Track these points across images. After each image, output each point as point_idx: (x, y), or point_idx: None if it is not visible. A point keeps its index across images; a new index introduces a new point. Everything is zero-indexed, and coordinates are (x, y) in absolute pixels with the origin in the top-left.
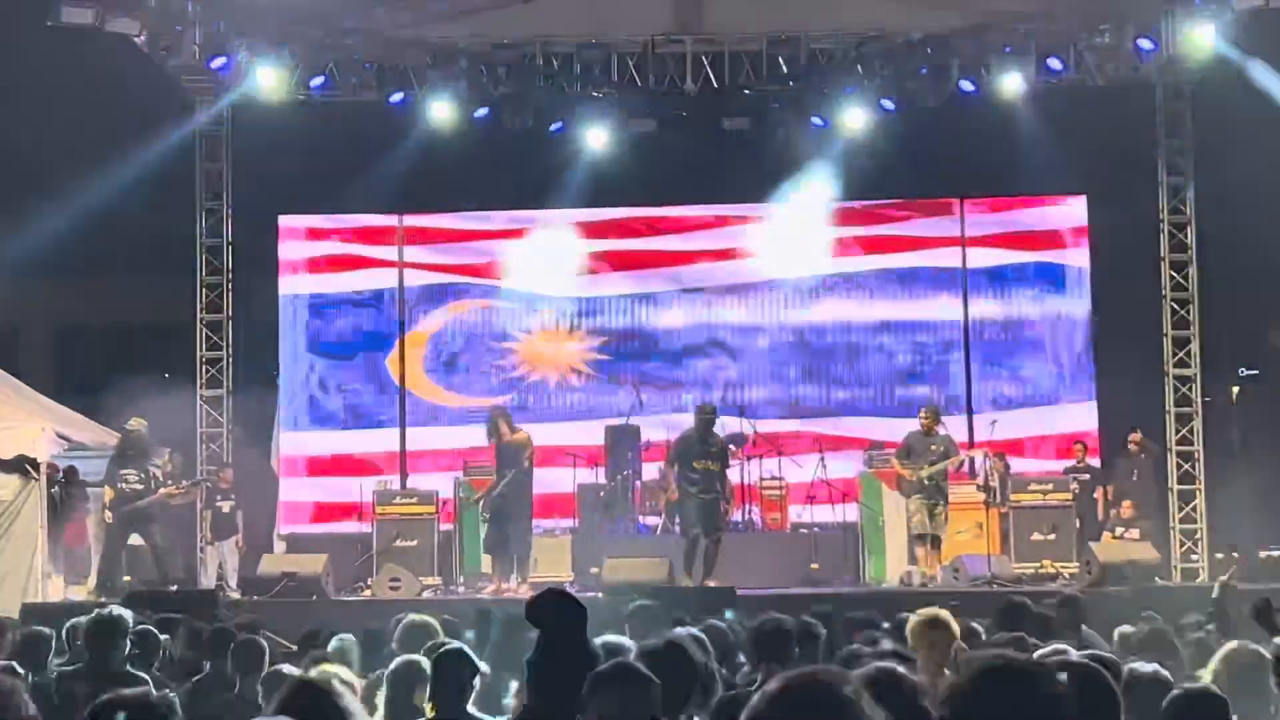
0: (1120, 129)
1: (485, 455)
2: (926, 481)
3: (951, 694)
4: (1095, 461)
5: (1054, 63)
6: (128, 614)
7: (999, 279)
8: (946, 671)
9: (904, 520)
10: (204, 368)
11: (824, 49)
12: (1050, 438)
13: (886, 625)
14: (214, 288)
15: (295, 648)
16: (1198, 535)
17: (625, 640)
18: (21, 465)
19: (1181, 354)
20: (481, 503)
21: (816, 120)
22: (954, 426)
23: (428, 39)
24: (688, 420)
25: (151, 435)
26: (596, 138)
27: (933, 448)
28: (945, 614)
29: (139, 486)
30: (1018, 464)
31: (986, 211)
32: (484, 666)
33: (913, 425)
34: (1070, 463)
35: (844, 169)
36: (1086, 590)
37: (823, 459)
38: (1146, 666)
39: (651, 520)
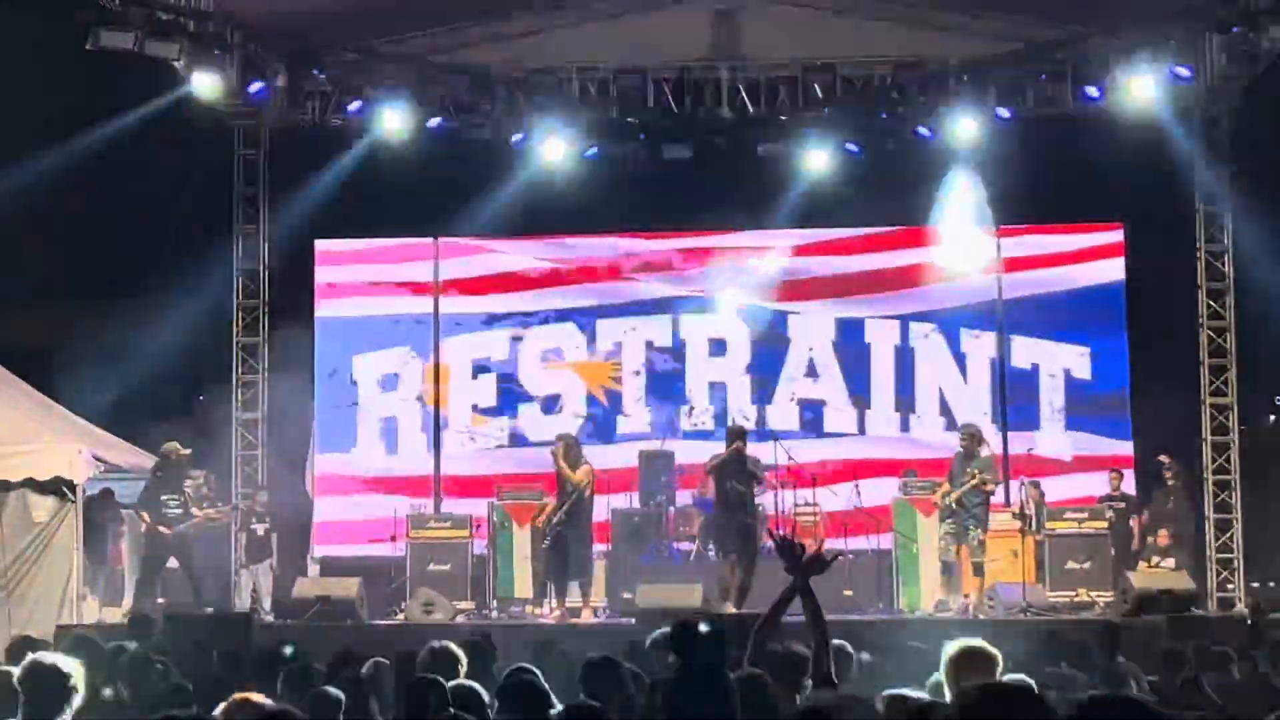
0: (1157, 157)
1: (519, 480)
2: (955, 506)
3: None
4: (1131, 490)
5: (1091, 90)
6: (70, 663)
7: (1034, 306)
8: None
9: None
10: (240, 390)
11: (859, 76)
12: (1087, 461)
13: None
14: (250, 311)
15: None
16: (1234, 565)
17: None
18: (57, 487)
19: (1219, 382)
20: (544, 526)
21: (851, 147)
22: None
23: (463, 64)
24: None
25: (187, 458)
26: (631, 163)
27: (969, 471)
28: (986, 645)
29: (177, 510)
30: (1053, 489)
31: (1022, 239)
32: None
33: (953, 449)
34: (1106, 491)
35: (878, 196)
36: (1123, 619)
37: (857, 486)
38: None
39: (685, 546)
